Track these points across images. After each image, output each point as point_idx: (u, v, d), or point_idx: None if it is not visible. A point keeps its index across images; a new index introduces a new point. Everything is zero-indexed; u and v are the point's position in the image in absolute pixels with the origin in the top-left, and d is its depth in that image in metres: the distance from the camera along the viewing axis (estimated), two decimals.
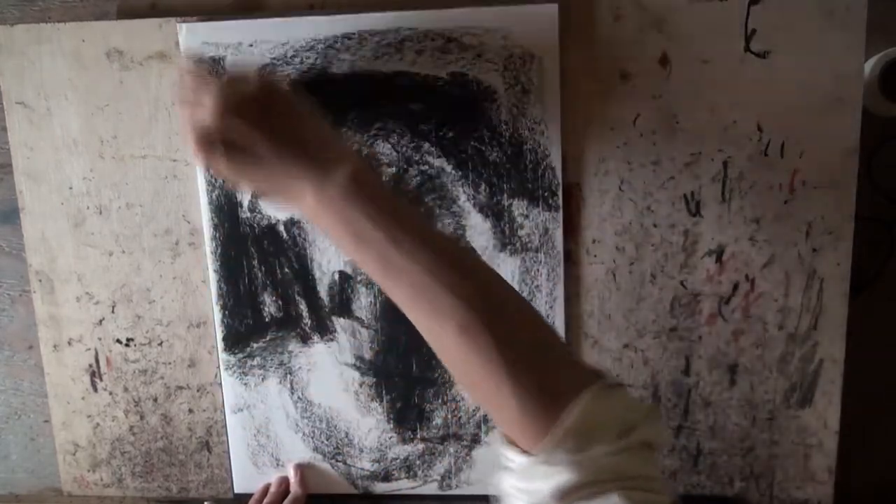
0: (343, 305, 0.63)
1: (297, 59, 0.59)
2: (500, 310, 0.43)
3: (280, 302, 0.63)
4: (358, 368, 0.64)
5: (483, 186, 0.59)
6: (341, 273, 0.62)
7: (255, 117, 0.46)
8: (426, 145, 0.59)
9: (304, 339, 0.64)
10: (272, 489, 0.66)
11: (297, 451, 0.66)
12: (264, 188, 0.49)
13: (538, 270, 0.60)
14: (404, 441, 0.65)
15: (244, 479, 0.67)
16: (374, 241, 0.43)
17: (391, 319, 0.62)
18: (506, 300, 0.45)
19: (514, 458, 0.41)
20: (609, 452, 0.38)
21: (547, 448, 0.38)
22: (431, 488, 0.65)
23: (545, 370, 0.41)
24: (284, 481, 0.66)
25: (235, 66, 0.56)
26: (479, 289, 0.43)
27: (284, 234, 0.62)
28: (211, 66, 0.57)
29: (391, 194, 0.48)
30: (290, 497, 0.65)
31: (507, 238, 0.60)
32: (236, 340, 0.64)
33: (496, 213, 0.60)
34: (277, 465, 0.66)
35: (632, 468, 0.38)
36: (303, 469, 0.66)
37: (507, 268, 0.60)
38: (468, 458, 0.64)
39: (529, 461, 0.40)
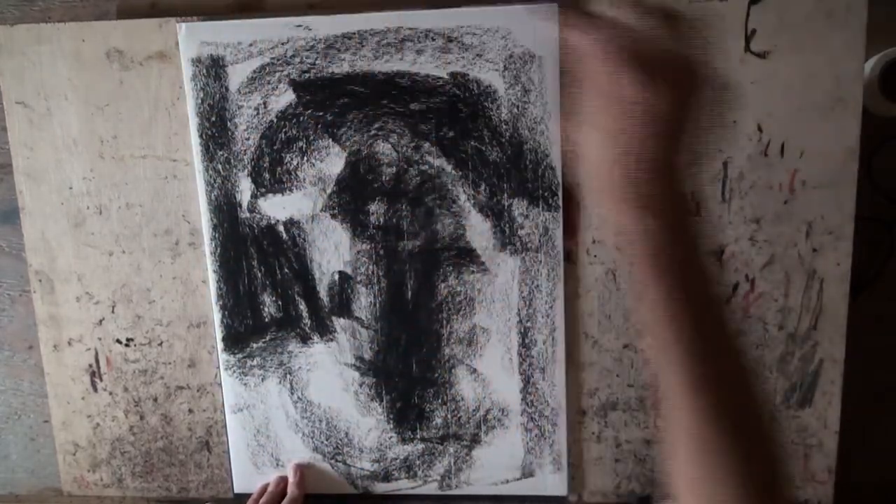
0: (343, 305, 0.63)
1: (297, 59, 0.59)
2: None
3: (280, 302, 0.63)
4: (358, 368, 0.64)
5: (483, 186, 0.59)
6: (341, 273, 0.62)
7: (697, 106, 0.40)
8: (426, 145, 0.59)
9: (304, 339, 0.64)
10: (270, 488, 0.66)
11: (297, 451, 0.66)
12: (622, 196, 0.42)
13: (538, 270, 0.60)
14: (404, 441, 0.65)
15: (244, 479, 0.67)
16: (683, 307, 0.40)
17: (391, 319, 0.63)
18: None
19: None
20: None
21: None
22: (431, 488, 0.65)
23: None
24: (283, 481, 0.66)
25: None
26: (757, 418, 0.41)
27: (284, 235, 0.62)
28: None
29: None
30: (287, 498, 0.65)
31: (507, 238, 0.60)
32: (236, 340, 0.64)
33: (496, 213, 0.60)
34: (277, 465, 0.66)
35: None
36: (302, 469, 0.66)
37: (507, 268, 0.60)
38: (468, 458, 0.64)
39: None
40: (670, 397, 0.42)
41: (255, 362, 0.65)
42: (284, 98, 0.60)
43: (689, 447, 0.42)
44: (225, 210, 0.62)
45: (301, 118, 0.60)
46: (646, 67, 0.38)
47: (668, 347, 0.42)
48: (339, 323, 0.63)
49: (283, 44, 0.59)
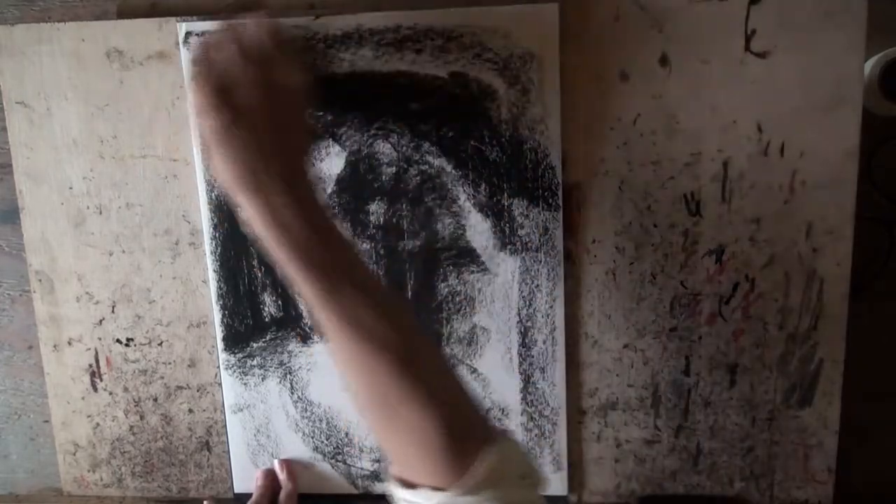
0: None
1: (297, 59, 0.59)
2: (433, 353, 0.48)
3: (280, 302, 0.63)
4: None
5: (483, 186, 0.59)
6: None
7: (268, 81, 0.47)
8: (426, 145, 0.59)
9: (304, 339, 0.64)
10: (258, 482, 0.66)
11: (297, 450, 0.66)
12: (231, 175, 0.47)
13: (538, 270, 0.60)
14: None
15: (244, 478, 0.67)
16: (322, 261, 0.45)
17: None
18: (433, 347, 0.50)
19: (429, 496, 0.43)
20: (517, 488, 0.44)
21: (467, 484, 0.42)
22: None
23: (467, 415, 0.46)
24: (269, 474, 0.66)
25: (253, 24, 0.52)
26: (409, 328, 0.47)
27: None
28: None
29: (340, 233, 0.49)
30: (284, 493, 0.64)
31: (507, 238, 0.60)
32: (236, 340, 0.64)
33: (496, 213, 0.60)
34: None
35: (531, 501, 0.46)
36: (289, 463, 0.66)
37: (507, 267, 0.60)
38: None
39: (448, 496, 0.42)
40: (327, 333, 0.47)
41: (255, 362, 0.65)
42: None
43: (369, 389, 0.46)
44: (225, 210, 0.62)
45: None
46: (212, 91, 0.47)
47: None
48: None
49: None
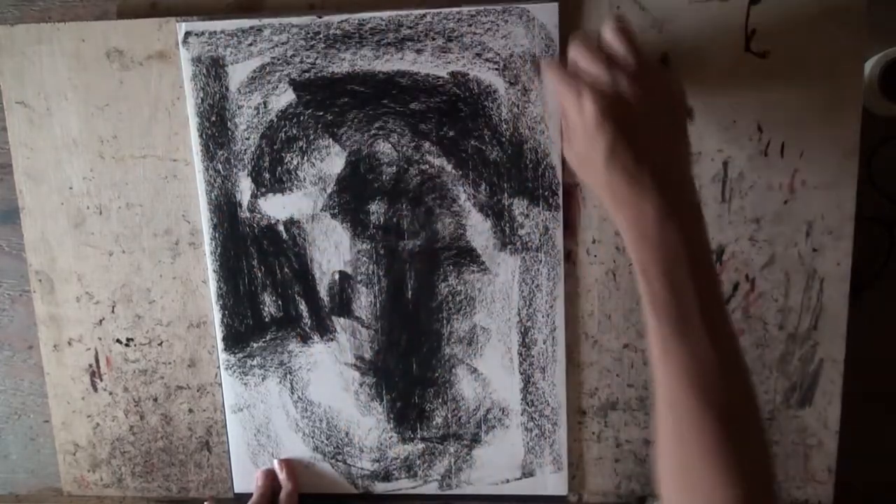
0: (343, 305, 0.63)
1: (297, 59, 0.59)
2: (758, 424, 0.45)
3: (280, 302, 0.63)
4: (358, 368, 0.64)
5: (483, 186, 0.59)
6: (341, 273, 0.62)
7: (659, 113, 0.45)
8: (426, 145, 0.59)
9: (304, 339, 0.64)
10: (258, 483, 0.66)
11: (297, 450, 0.66)
12: (614, 193, 0.46)
13: (538, 270, 0.60)
14: (404, 441, 0.65)
15: (244, 478, 0.67)
16: (681, 291, 0.43)
17: (391, 319, 0.63)
18: (759, 416, 0.46)
19: None
20: None
21: None
22: (431, 488, 0.65)
23: (767, 484, 0.43)
24: (270, 474, 0.66)
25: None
26: (747, 399, 0.44)
27: (284, 234, 0.62)
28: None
29: (709, 250, 0.47)
30: (284, 492, 0.64)
31: (507, 237, 0.60)
32: (236, 340, 0.64)
33: (496, 213, 0.60)
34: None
35: None
36: (289, 463, 0.66)
37: (507, 267, 0.60)
38: (468, 457, 0.64)
39: None
40: (668, 396, 0.43)
41: (255, 362, 0.65)
42: (284, 98, 0.60)
43: (684, 449, 0.43)
44: (225, 210, 0.62)
45: (301, 118, 0.60)
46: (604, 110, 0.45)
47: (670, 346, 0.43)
48: (340, 323, 0.63)
49: (283, 44, 0.59)
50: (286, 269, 0.63)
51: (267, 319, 0.64)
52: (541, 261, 0.60)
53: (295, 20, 0.58)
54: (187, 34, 0.59)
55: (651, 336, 0.45)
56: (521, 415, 0.63)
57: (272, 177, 0.61)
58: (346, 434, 0.65)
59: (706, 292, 0.44)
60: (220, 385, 0.66)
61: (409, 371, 0.63)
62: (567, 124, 0.49)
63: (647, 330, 0.45)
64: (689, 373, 0.42)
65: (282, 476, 0.66)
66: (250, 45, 0.59)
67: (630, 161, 0.44)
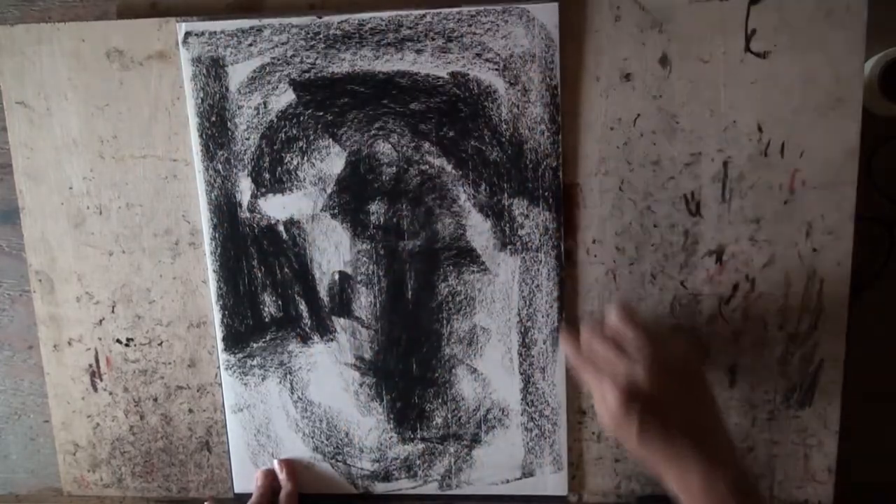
0: (343, 305, 0.63)
1: (297, 59, 0.59)
2: None
3: (280, 302, 0.63)
4: (358, 368, 0.64)
5: (483, 186, 0.59)
6: (341, 273, 0.62)
7: (678, 384, 0.48)
8: (426, 145, 0.59)
9: (304, 339, 0.64)
10: (258, 483, 0.66)
11: (297, 451, 0.66)
12: (656, 460, 0.48)
13: (538, 270, 0.60)
14: (404, 441, 0.65)
15: (244, 479, 0.67)
16: None
17: (391, 319, 0.63)
18: None
19: None
20: None
21: None
22: (431, 488, 0.65)
23: None
24: (269, 475, 0.66)
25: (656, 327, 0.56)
26: None
27: (284, 235, 0.62)
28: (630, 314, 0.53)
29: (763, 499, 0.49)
30: (284, 493, 0.65)
31: (507, 238, 0.60)
32: (236, 340, 0.64)
33: (496, 213, 0.60)
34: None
35: None
36: (289, 463, 0.66)
37: (507, 267, 0.60)
38: (468, 457, 0.64)
39: None
40: None
41: (255, 362, 0.65)
42: (284, 98, 0.60)
43: None
44: (225, 210, 0.62)
45: (301, 118, 0.60)
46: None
47: None
48: (340, 323, 0.63)
49: (283, 44, 0.59)
50: (286, 270, 0.63)
51: (267, 319, 0.64)
52: (541, 261, 0.60)
53: (295, 20, 0.58)
54: (187, 34, 0.59)
55: None
56: (521, 415, 0.63)
57: (272, 177, 0.61)
58: (346, 434, 0.65)
59: None
60: (220, 385, 0.66)
61: (409, 371, 0.63)
62: (595, 403, 0.50)
63: None
64: None
65: (282, 476, 0.66)
66: (250, 45, 0.59)
67: (661, 438, 0.47)
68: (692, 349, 0.53)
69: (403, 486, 0.66)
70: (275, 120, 0.60)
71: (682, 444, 0.47)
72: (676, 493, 0.48)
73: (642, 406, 0.47)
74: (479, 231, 0.60)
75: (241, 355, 0.65)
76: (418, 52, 0.58)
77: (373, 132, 0.60)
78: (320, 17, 0.58)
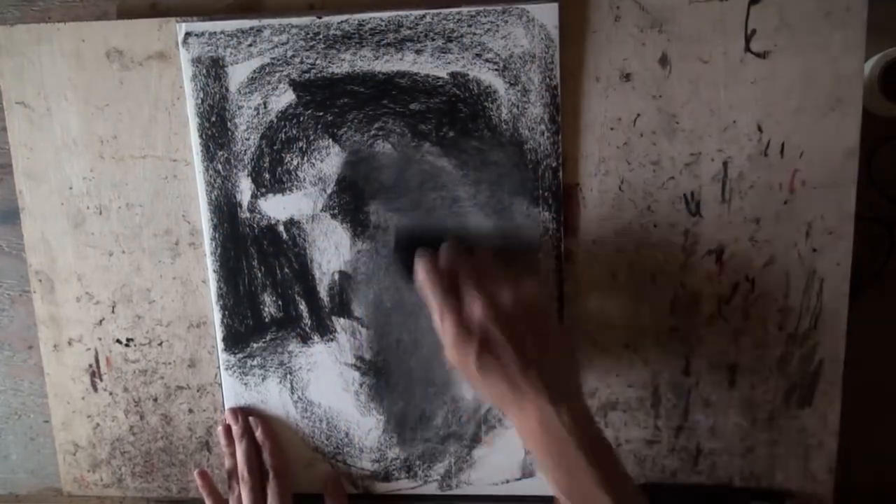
0: (343, 305, 0.63)
1: (297, 59, 0.59)
2: None
3: (280, 302, 0.63)
4: (358, 368, 0.64)
5: (483, 186, 0.59)
6: (341, 273, 0.62)
7: (516, 325, 0.49)
8: (426, 145, 0.59)
9: (304, 339, 0.64)
10: (238, 451, 0.64)
11: (296, 450, 0.66)
12: (495, 395, 0.50)
13: (538, 270, 0.60)
14: (404, 441, 0.65)
15: None
16: (581, 481, 0.47)
17: (391, 319, 0.63)
18: None
19: None
20: None
21: None
22: (431, 488, 0.65)
23: None
24: (245, 433, 0.64)
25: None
26: None
27: (284, 235, 0.62)
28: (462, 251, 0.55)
29: (604, 440, 0.50)
30: (272, 479, 0.63)
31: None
32: (236, 340, 0.64)
33: (496, 213, 0.60)
34: None
35: None
36: (270, 433, 0.64)
37: None
38: (468, 457, 0.64)
39: None
40: None
41: (255, 362, 0.65)
42: (284, 98, 0.60)
43: None
44: (225, 210, 0.62)
45: (301, 118, 0.60)
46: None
47: None
48: (340, 323, 0.63)
49: (282, 44, 0.59)
50: (286, 270, 0.63)
51: (267, 320, 0.64)
52: (541, 261, 0.60)
53: (295, 21, 0.58)
54: (187, 34, 0.59)
55: None
56: None
57: (272, 177, 0.61)
58: (346, 434, 0.65)
59: (606, 471, 0.47)
60: (220, 385, 0.66)
61: (409, 371, 0.63)
62: (438, 332, 0.52)
63: None
64: None
65: (268, 450, 0.64)
66: (250, 45, 0.59)
67: (498, 374, 0.48)
68: (535, 285, 0.53)
69: (403, 486, 0.66)
70: (275, 120, 0.60)
71: (520, 380, 0.48)
72: (517, 429, 0.50)
73: (480, 342, 0.48)
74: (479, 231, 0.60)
75: (241, 355, 0.65)
76: (418, 52, 0.58)
77: (373, 132, 0.60)
78: (320, 18, 0.58)
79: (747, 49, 0.56)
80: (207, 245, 0.63)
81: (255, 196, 0.62)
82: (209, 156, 0.61)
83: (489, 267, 0.53)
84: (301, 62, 0.59)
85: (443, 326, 0.50)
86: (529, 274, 0.56)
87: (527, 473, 0.64)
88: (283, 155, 0.61)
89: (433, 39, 0.57)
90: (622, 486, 0.48)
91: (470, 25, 0.57)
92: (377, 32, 0.58)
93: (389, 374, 0.64)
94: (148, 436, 0.68)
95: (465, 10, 0.57)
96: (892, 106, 0.60)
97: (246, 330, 0.64)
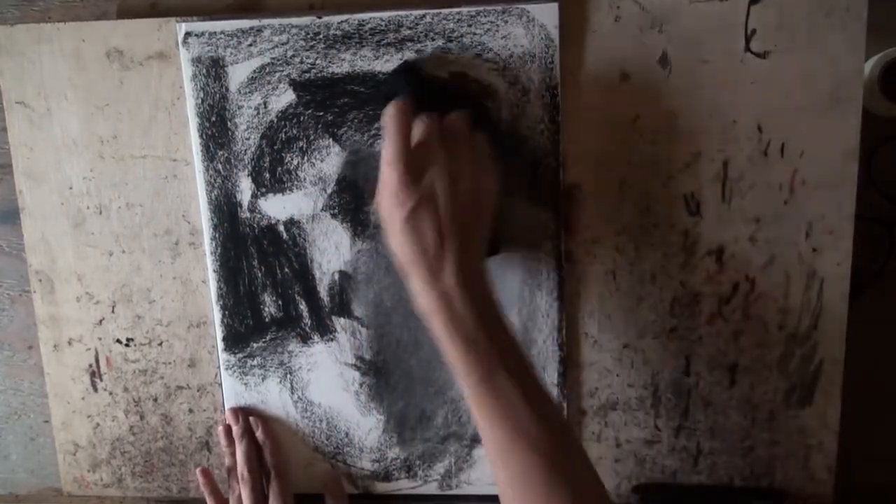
0: (343, 305, 0.63)
1: (297, 59, 0.59)
2: (581, 454, 0.49)
3: (280, 302, 0.63)
4: (358, 368, 0.64)
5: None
6: (341, 273, 0.62)
7: (465, 197, 0.49)
8: None
9: (305, 339, 0.64)
10: (238, 450, 0.64)
11: (297, 451, 0.66)
12: (414, 252, 0.49)
13: (538, 270, 0.60)
14: (404, 441, 0.65)
15: None
16: (481, 357, 0.47)
17: (391, 319, 0.63)
18: (580, 448, 0.51)
19: None
20: None
21: None
22: (431, 488, 0.65)
23: None
24: (245, 433, 0.64)
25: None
26: (560, 428, 0.49)
27: (284, 234, 0.62)
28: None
29: (507, 324, 0.50)
30: (274, 478, 0.63)
31: (507, 238, 0.60)
32: (236, 340, 0.64)
33: (496, 213, 0.60)
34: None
35: None
36: (271, 433, 0.65)
37: (508, 267, 0.60)
38: (468, 457, 0.64)
39: None
40: (492, 444, 0.48)
41: (255, 362, 0.65)
42: (284, 98, 0.60)
43: (515, 490, 0.46)
44: (225, 210, 0.62)
45: (301, 118, 0.60)
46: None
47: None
48: (340, 323, 0.63)
49: (283, 44, 0.59)
50: (286, 269, 0.63)
51: (267, 319, 0.64)
52: (541, 261, 0.60)
53: (295, 20, 0.58)
54: (187, 34, 0.59)
55: (463, 390, 0.50)
56: None
57: (272, 177, 0.61)
58: (346, 434, 0.65)
59: (499, 340, 0.48)
60: (220, 385, 0.66)
61: (409, 371, 0.63)
62: (382, 167, 0.51)
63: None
64: (499, 414, 0.47)
65: (269, 450, 0.64)
66: (250, 45, 0.59)
67: (421, 233, 0.48)
68: (494, 170, 0.53)
69: (403, 486, 0.66)
70: (275, 120, 0.60)
71: (446, 244, 0.48)
72: (419, 296, 0.49)
73: (425, 195, 0.48)
74: None
75: (241, 355, 0.65)
76: (418, 52, 0.58)
77: (373, 132, 0.60)
78: (320, 18, 0.58)
79: (747, 49, 0.56)
80: (207, 245, 0.63)
81: (255, 196, 0.62)
82: (209, 156, 0.61)
83: (463, 132, 0.52)
84: (301, 62, 0.59)
85: (391, 167, 0.49)
86: (492, 158, 0.54)
87: None
88: (284, 155, 0.61)
89: (433, 39, 0.57)
90: (519, 365, 0.48)
91: (470, 25, 0.57)
92: (377, 32, 0.58)
93: (389, 374, 0.64)
94: (148, 436, 0.68)
95: (465, 10, 0.57)
96: (892, 106, 0.60)
97: (246, 330, 0.64)
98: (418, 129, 0.51)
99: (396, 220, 0.49)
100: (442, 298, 0.47)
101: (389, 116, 0.51)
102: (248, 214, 0.62)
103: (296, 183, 0.61)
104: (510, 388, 0.46)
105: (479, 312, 0.47)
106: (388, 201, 0.49)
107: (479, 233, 0.51)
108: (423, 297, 0.49)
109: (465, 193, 0.49)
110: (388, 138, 0.50)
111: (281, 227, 0.62)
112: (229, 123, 0.61)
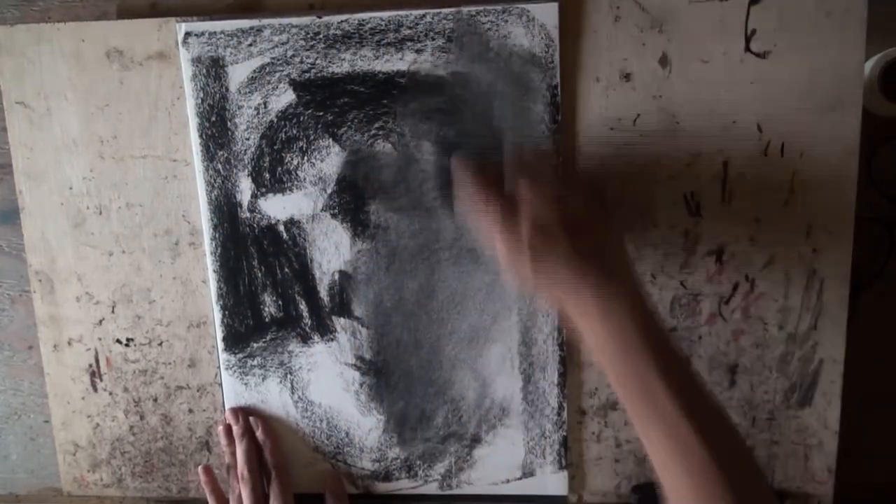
0: (343, 305, 0.63)
1: (297, 59, 0.59)
2: (740, 469, 0.43)
3: (280, 302, 0.63)
4: (358, 368, 0.64)
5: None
6: (341, 273, 0.62)
7: (567, 209, 0.48)
8: (426, 145, 0.59)
9: (305, 339, 0.64)
10: (238, 449, 0.64)
11: (297, 450, 0.66)
12: (552, 286, 0.48)
13: None
14: (405, 441, 0.65)
15: None
16: (641, 369, 0.44)
17: (391, 319, 0.63)
18: (747, 460, 0.46)
19: None
20: None
21: None
22: (431, 488, 0.65)
23: None
24: (246, 433, 0.64)
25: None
26: (730, 451, 0.43)
27: (284, 234, 0.62)
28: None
29: (664, 329, 0.48)
30: (275, 478, 0.63)
31: None
32: (236, 340, 0.64)
33: None
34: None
35: None
36: (271, 435, 0.64)
37: None
38: (469, 457, 0.64)
39: None
40: (666, 483, 0.44)
41: (255, 362, 0.65)
42: (284, 98, 0.60)
43: (679, 474, 0.43)
44: (225, 210, 0.62)
45: (301, 118, 0.60)
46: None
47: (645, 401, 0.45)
48: (340, 323, 0.63)
49: (283, 44, 0.59)
50: (286, 269, 0.63)
51: (267, 319, 0.64)
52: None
53: (295, 20, 0.58)
54: (187, 34, 0.59)
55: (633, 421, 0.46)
56: (522, 414, 0.63)
57: (272, 177, 0.61)
58: (347, 434, 0.65)
59: (669, 367, 0.44)
60: (220, 385, 0.66)
61: (410, 371, 0.63)
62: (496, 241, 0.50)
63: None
64: (672, 453, 0.43)
65: (269, 450, 0.64)
66: (250, 45, 0.59)
67: (551, 266, 0.47)
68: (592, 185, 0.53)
69: (403, 486, 0.66)
70: (275, 120, 0.60)
71: (577, 263, 0.46)
72: (575, 320, 0.47)
73: (532, 227, 0.47)
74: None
75: (241, 355, 0.65)
76: (418, 52, 0.58)
77: (373, 132, 0.60)
78: (320, 17, 0.58)
79: (747, 49, 0.56)
80: (207, 245, 0.63)
81: (255, 196, 0.62)
82: (209, 156, 0.61)
83: (546, 167, 0.52)
84: (301, 62, 0.59)
85: (495, 235, 0.48)
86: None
87: (527, 473, 0.64)
88: (284, 155, 0.61)
89: (433, 39, 0.57)
90: (680, 373, 0.45)
91: (470, 25, 0.57)
92: (377, 32, 0.58)
93: (389, 374, 0.64)
94: (148, 436, 0.68)
95: (465, 9, 0.57)
96: (892, 106, 0.60)
97: (246, 330, 0.64)
98: (489, 175, 0.51)
99: (521, 269, 0.48)
100: (593, 317, 0.46)
101: (468, 195, 0.52)
102: (248, 214, 0.62)
103: (296, 183, 0.61)
104: (680, 423, 0.42)
105: (636, 321, 0.45)
106: (505, 258, 0.49)
107: (603, 235, 0.49)
108: (576, 319, 0.47)
109: (571, 202, 0.49)
110: (476, 214, 0.51)
111: (281, 227, 0.62)
112: (229, 123, 0.61)
